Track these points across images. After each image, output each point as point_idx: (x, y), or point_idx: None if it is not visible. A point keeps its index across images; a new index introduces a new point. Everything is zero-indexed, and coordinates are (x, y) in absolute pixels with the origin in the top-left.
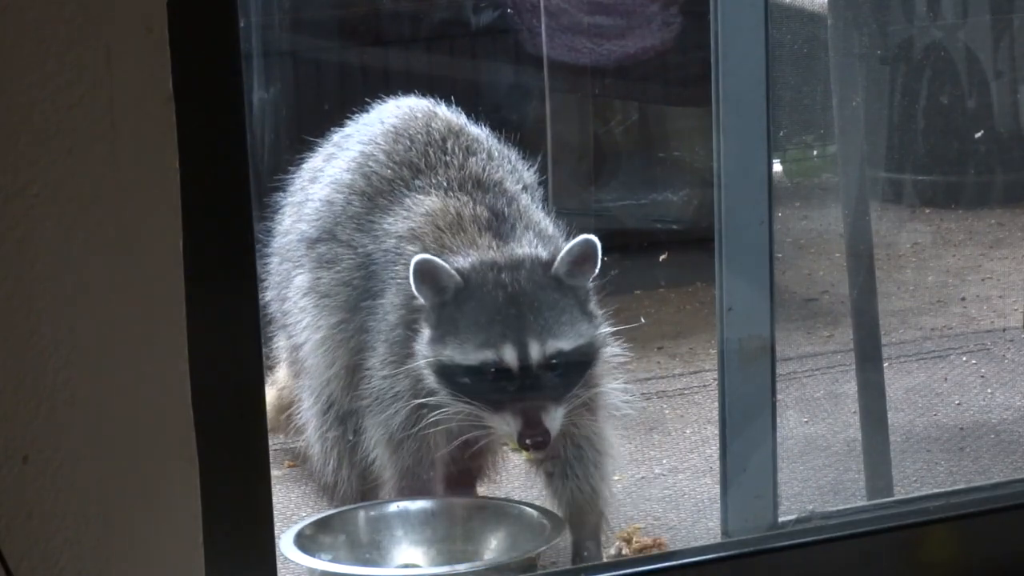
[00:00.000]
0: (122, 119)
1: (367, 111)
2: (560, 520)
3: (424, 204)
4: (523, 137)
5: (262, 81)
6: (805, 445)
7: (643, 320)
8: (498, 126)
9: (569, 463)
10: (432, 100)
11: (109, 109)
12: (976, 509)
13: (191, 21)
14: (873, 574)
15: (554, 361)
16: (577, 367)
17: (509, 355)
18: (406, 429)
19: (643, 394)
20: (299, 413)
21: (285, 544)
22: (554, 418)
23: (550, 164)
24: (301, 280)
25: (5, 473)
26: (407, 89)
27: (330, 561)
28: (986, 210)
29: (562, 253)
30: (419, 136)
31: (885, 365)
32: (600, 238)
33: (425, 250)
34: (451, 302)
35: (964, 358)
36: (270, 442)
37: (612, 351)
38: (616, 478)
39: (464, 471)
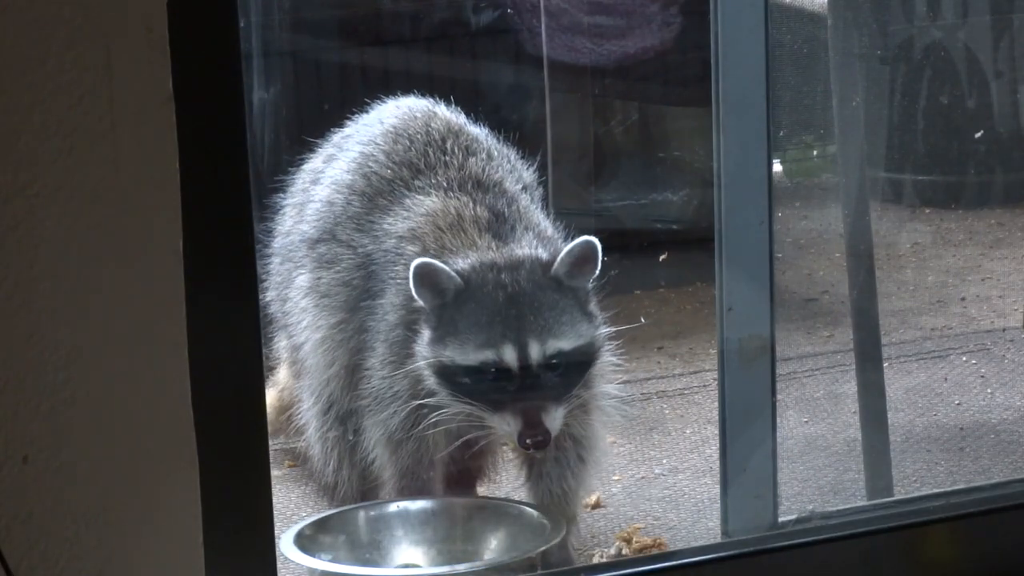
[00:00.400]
0: (122, 119)
1: (367, 111)
2: (560, 520)
3: (424, 204)
4: (523, 137)
5: (262, 81)
6: (805, 445)
7: (643, 320)
8: (498, 126)
9: (547, 462)
10: (431, 100)
11: (109, 109)
12: (976, 509)
13: (191, 21)
14: (873, 574)
15: (554, 361)
16: (577, 367)
17: (509, 355)
18: (405, 429)
19: (643, 394)
20: (299, 414)
21: (285, 544)
22: (554, 418)
23: (550, 164)
24: (302, 280)
25: (5, 473)
26: (407, 89)
27: (330, 561)
28: (986, 210)
29: (562, 254)
30: (419, 136)
31: (885, 365)
32: (600, 238)
33: (425, 250)
34: (451, 303)
35: (964, 358)
36: (270, 442)
37: (608, 355)
38: (616, 478)
39: (464, 471)
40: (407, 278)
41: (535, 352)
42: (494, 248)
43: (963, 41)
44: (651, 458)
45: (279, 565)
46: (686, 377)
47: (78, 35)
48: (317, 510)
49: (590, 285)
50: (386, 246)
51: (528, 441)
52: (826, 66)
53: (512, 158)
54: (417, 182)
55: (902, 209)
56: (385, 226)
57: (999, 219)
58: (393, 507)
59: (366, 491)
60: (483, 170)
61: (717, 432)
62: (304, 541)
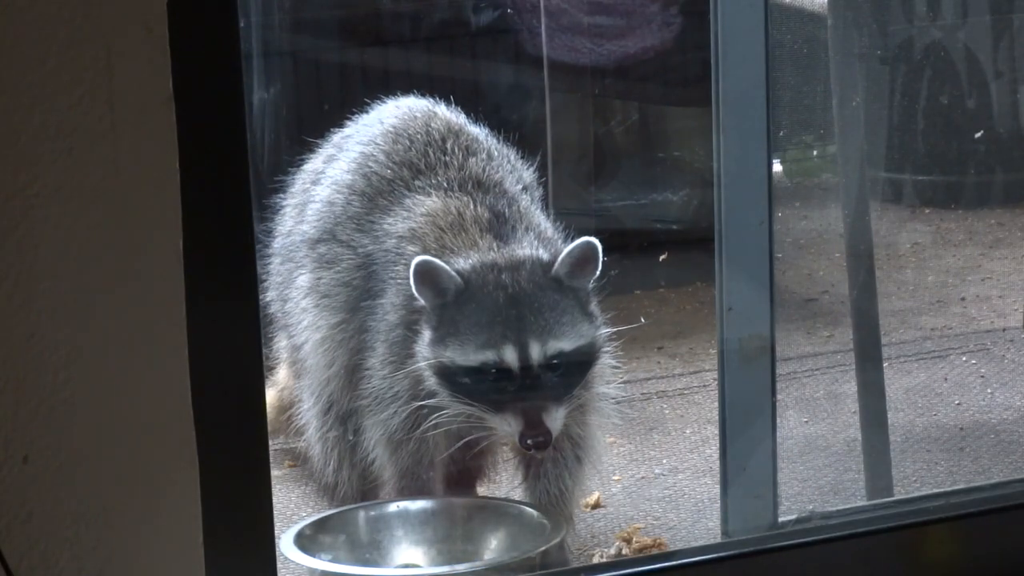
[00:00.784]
0: (122, 119)
1: (367, 112)
2: (560, 520)
3: (424, 204)
4: (523, 137)
5: (262, 81)
6: (805, 445)
7: (643, 320)
8: (498, 126)
9: (545, 462)
10: (431, 100)
11: (109, 109)
12: (976, 509)
13: (191, 21)
14: (873, 574)
15: (555, 361)
16: (578, 367)
17: (510, 355)
18: (406, 430)
19: (643, 394)
20: (299, 414)
21: (285, 544)
22: (555, 418)
23: (550, 164)
24: (302, 281)
25: (5, 473)
26: (407, 89)
27: (330, 561)
28: (986, 210)
29: (563, 255)
30: (419, 136)
31: (885, 365)
32: (600, 238)
33: (426, 250)
34: (452, 303)
35: (964, 358)
36: (270, 442)
37: (606, 357)
38: (616, 478)
39: (464, 471)
40: (408, 278)
41: (536, 352)
42: (495, 248)
43: (963, 41)
44: (651, 458)
45: (279, 565)
46: (686, 377)
47: (78, 35)
48: (317, 510)
49: (590, 286)
50: (387, 246)
51: (529, 441)
52: (826, 66)
53: (512, 158)
54: (417, 182)
55: (902, 209)
56: (385, 226)
57: (999, 219)
58: (393, 507)
59: (366, 491)
60: (483, 170)
61: (717, 432)
62: (304, 541)
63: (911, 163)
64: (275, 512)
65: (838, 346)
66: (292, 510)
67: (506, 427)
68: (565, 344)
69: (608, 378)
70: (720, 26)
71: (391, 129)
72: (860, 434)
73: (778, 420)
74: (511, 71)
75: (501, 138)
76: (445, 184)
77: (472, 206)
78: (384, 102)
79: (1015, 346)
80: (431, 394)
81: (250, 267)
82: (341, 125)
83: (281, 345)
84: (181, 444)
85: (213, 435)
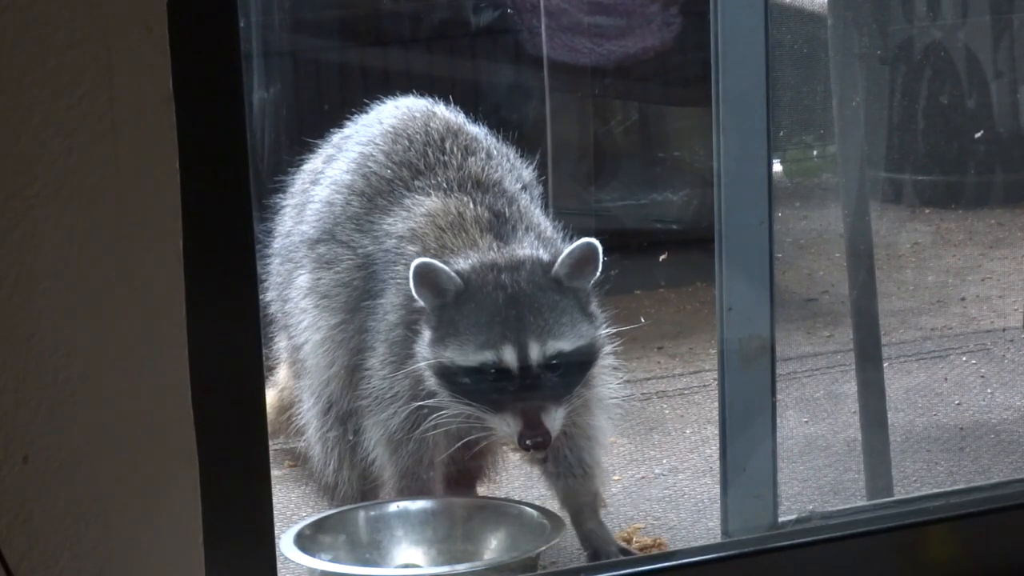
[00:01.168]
0: (122, 119)
1: (366, 112)
2: (560, 520)
3: (424, 204)
4: (523, 137)
5: (262, 81)
6: (805, 445)
7: (643, 320)
8: (498, 126)
9: (560, 449)
10: (430, 100)
11: (109, 109)
12: (976, 509)
13: (191, 21)
14: (873, 574)
15: (554, 362)
16: (578, 367)
17: (509, 356)
18: (406, 430)
19: (643, 394)
20: (299, 414)
21: (285, 544)
22: (555, 418)
23: (550, 164)
24: (302, 281)
25: (5, 473)
26: (407, 89)
27: (330, 561)
28: (986, 210)
29: (563, 255)
30: (418, 136)
31: (885, 365)
32: (600, 238)
33: (426, 250)
34: (451, 304)
35: (964, 358)
36: (270, 442)
37: (606, 353)
38: (616, 478)
39: (464, 471)
40: (408, 278)
41: (535, 353)
42: (495, 248)
43: (963, 41)
44: (651, 458)
45: (279, 565)
46: (686, 377)
47: (78, 35)
48: (317, 510)
49: (590, 286)
50: (386, 246)
51: (528, 442)
52: (826, 66)
53: (511, 157)
54: (417, 182)
55: (902, 209)
56: (385, 226)
57: (999, 219)
58: (393, 507)
59: (366, 491)
60: (482, 169)
61: (717, 432)
62: (304, 541)
63: (911, 163)
64: (275, 512)
65: (838, 346)
66: (292, 510)
67: (505, 427)
68: (565, 344)
69: (607, 379)
70: (720, 26)
71: (390, 129)
72: (860, 434)
73: (778, 420)
74: (511, 71)
75: (501, 138)
76: (444, 184)
77: (472, 206)
78: (383, 102)
79: (1015, 346)
80: (431, 394)
81: (250, 267)
82: (341, 125)
83: (281, 345)
84: (181, 444)
85: (213, 435)
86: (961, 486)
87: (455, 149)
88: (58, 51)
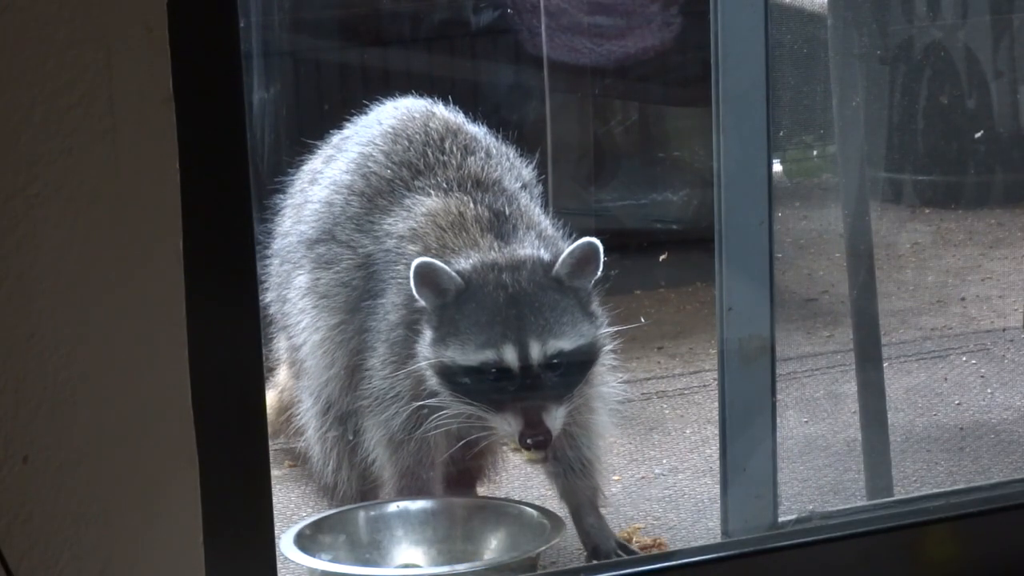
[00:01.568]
0: (122, 119)
1: (365, 113)
2: (560, 520)
3: (424, 204)
4: (523, 137)
5: (262, 81)
6: (805, 445)
7: (643, 320)
8: (498, 126)
9: (561, 446)
10: (429, 100)
11: (109, 109)
12: (976, 509)
13: (191, 21)
14: (873, 574)
15: (555, 361)
16: (579, 366)
17: (510, 355)
18: (406, 430)
19: (643, 394)
20: (299, 415)
21: (285, 544)
22: (555, 417)
23: (550, 164)
24: (301, 281)
25: (5, 473)
26: (407, 89)
27: (330, 561)
28: (986, 210)
29: (564, 255)
30: (417, 136)
31: (885, 365)
32: (600, 238)
33: (427, 249)
34: (452, 304)
35: (964, 358)
36: (270, 443)
37: (607, 351)
38: (616, 478)
39: (464, 471)
40: (408, 278)
41: (536, 352)
42: (496, 248)
43: (963, 41)
44: (651, 458)
45: (279, 565)
46: (686, 377)
47: (78, 35)
48: (317, 510)
49: (591, 285)
50: (387, 246)
51: (529, 441)
52: (826, 66)
53: (511, 156)
54: (417, 182)
55: (902, 209)
56: (385, 226)
57: (999, 219)
58: (393, 507)
59: (365, 492)
60: (482, 169)
61: (717, 432)
62: (304, 541)
63: (911, 163)
64: (275, 512)
65: (838, 346)
66: (292, 510)
67: (506, 427)
68: (565, 344)
69: (606, 378)
70: (720, 26)
71: (390, 130)
72: (860, 434)
73: (778, 420)
74: (511, 71)
75: (500, 138)
76: (444, 184)
77: (472, 205)
78: (382, 103)
79: (1015, 346)
80: (432, 394)
81: (250, 267)
82: (341, 126)
83: (281, 346)
84: (181, 444)
85: (213, 435)
86: (961, 486)
87: (455, 149)
88: (58, 51)
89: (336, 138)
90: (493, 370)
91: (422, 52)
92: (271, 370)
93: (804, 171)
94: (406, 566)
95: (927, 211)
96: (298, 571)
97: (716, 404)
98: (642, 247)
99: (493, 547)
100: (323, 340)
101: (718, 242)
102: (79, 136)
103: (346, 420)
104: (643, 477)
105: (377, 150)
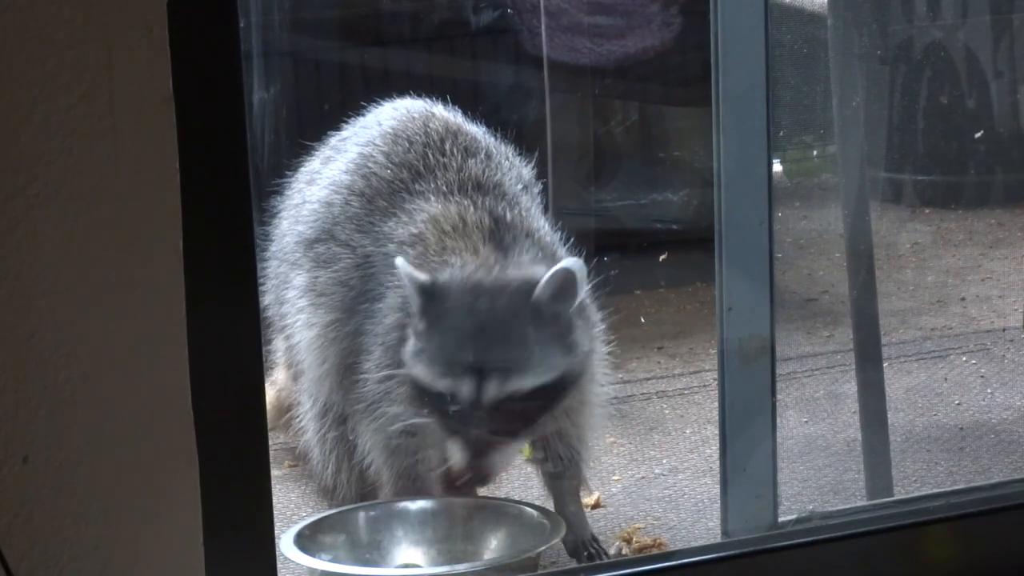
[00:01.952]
0: (122, 119)
1: (364, 114)
2: (560, 520)
3: (425, 208)
4: (523, 137)
5: (262, 81)
6: (805, 445)
7: (643, 320)
8: (498, 126)
9: (550, 438)
10: (428, 101)
11: (109, 109)
12: (976, 509)
13: (191, 21)
14: (873, 574)
15: (514, 399)
16: (544, 401)
17: (465, 390)
18: (401, 433)
19: (643, 394)
20: (299, 417)
21: (285, 544)
22: (504, 453)
23: (550, 164)
24: (299, 281)
25: (5, 473)
26: (407, 89)
27: (330, 561)
28: (986, 210)
29: (542, 282)
30: (417, 137)
31: (885, 365)
32: (600, 238)
33: (427, 253)
34: (432, 315)
35: (964, 358)
36: (270, 442)
37: (602, 352)
38: (616, 478)
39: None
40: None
41: (491, 391)
42: (491, 261)
43: (963, 41)
44: (651, 458)
45: (279, 565)
46: (686, 377)
47: (78, 35)
48: (317, 510)
49: (572, 311)
50: (387, 249)
51: (470, 474)
52: (826, 66)
53: (510, 156)
54: (417, 186)
55: (902, 209)
56: (386, 229)
57: (999, 219)
58: (393, 507)
59: (365, 494)
60: (482, 171)
61: (717, 432)
62: (304, 541)
63: (911, 163)
64: (275, 512)
65: (838, 346)
66: (292, 510)
67: (455, 452)
68: (528, 382)
69: (602, 379)
70: (720, 26)
71: (389, 131)
72: (860, 434)
73: (778, 420)
74: (511, 71)
75: (500, 137)
76: (444, 188)
77: (472, 210)
78: (381, 104)
79: (1015, 346)
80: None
81: (250, 267)
82: (340, 126)
83: (279, 348)
84: (181, 444)
85: (213, 435)
86: (961, 486)
87: (455, 150)
88: (58, 51)
89: (334, 139)
90: (448, 399)
91: (422, 52)
92: (270, 369)
93: (804, 171)
94: (406, 566)
95: (927, 211)
96: (298, 571)
97: (716, 404)
98: (642, 247)
99: (493, 547)
100: (317, 336)
101: (718, 242)
102: (79, 136)
103: (345, 421)
104: (643, 477)
105: (377, 151)
